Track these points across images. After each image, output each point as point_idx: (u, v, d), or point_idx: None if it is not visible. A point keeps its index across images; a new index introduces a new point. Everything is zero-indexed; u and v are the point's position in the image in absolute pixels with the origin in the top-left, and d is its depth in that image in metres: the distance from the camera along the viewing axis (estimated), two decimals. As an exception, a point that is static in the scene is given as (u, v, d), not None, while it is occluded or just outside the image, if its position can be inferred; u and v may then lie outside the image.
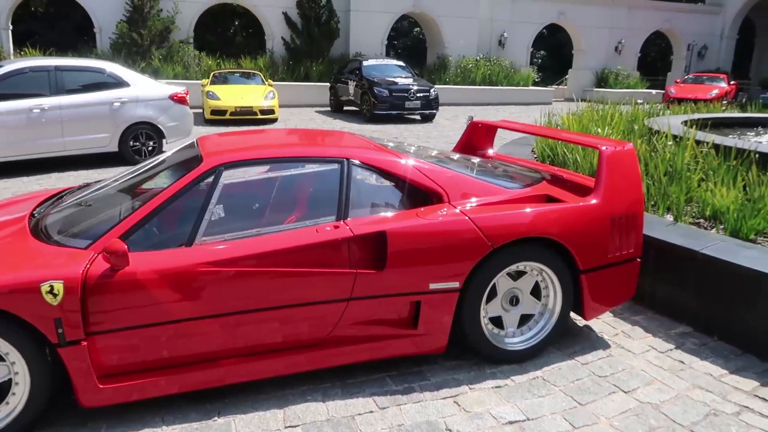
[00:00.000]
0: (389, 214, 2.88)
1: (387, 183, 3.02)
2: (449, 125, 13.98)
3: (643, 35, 25.38)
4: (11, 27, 17.74)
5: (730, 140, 5.27)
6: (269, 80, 16.08)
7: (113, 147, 8.25)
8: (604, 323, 3.49)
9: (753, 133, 7.72)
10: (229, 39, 25.37)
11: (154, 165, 3.33)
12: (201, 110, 14.28)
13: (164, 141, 8.69)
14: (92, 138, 8.04)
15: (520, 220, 2.86)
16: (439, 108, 15.45)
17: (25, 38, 19.30)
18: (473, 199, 2.99)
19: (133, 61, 16.96)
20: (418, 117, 15.04)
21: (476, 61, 21.31)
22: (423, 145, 4.18)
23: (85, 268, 2.38)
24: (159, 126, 8.53)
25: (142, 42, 17.13)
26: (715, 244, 3.45)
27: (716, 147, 5.06)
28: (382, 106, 14.11)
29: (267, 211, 2.90)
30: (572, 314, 3.26)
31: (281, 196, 2.98)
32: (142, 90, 8.41)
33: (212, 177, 2.72)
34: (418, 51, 25.52)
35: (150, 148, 8.55)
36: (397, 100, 14.18)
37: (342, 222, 2.77)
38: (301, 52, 19.38)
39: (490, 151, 4.48)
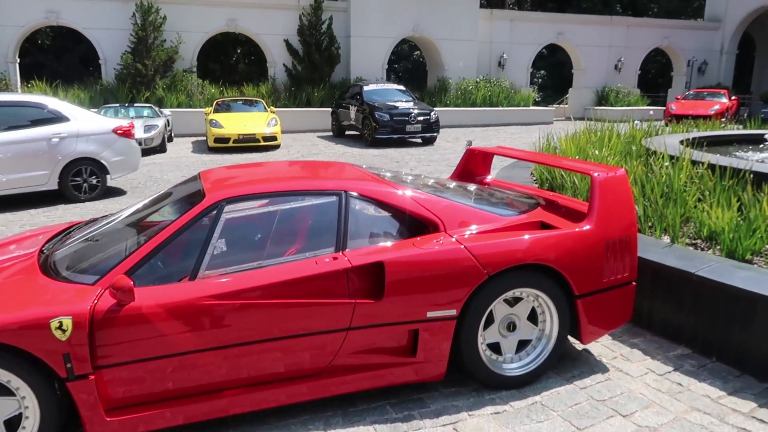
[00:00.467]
0: (387, 244, 2.95)
1: (384, 214, 3.10)
2: (450, 147, 14.11)
3: (642, 53, 25.62)
4: (18, 60, 18.13)
5: (726, 160, 5.33)
6: (271, 107, 16.32)
7: (53, 185, 7.92)
8: (602, 346, 3.53)
9: (751, 150, 7.78)
10: (231, 67, 25.77)
11: (158, 199, 3.44)
12: (205, 138, 14.50)
13: (108, 177, 8.37)
14: (28, 176, 7.70)
15: (514, 248, 2.93)
16: (440, 130, 15.63)
17: (32, 70, 19.70)
18: (469, 228, 3.06)
19: (138, 90, 17.30)
20: (419, 140, 15.21)
21: (476, 82, 21.55)
22: (420, 174, 4.26)
23: (93, 303, 2.45)
24: (102, 161, 8.19)
25: (147, 72, 17.45)
26: (711, 266, 3.50)
27: (712, 167, 5.13)
28: (384, 131, 14.29)
29: (268, 244, 2.98)
30: (571, 338, 3.30)
31: (282, 229, 3.06)
32: (83, 124, 8.07)
33: (214, 212, 2.81)
34: (419, 74, 25.84)
35: (93, 185, 8.21)
36: (398, 124, 14.36)
37: (341, 253, 2.84)
38: (303, 78, 19.68)
39: (488, 178, 4.56)
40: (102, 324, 2.44)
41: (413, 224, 3.07)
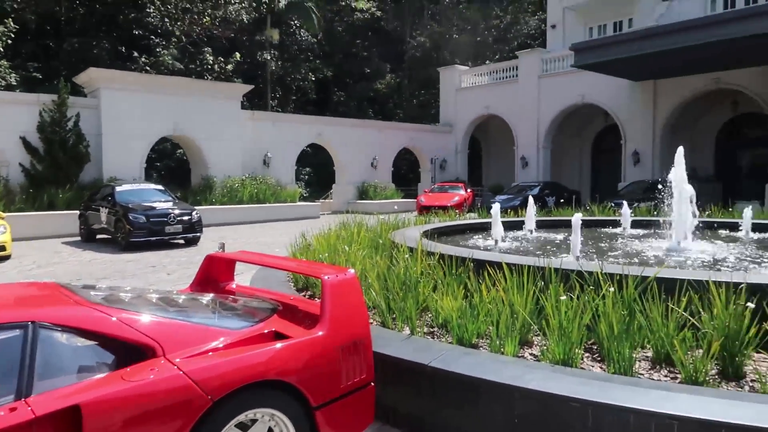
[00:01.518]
0: (88, 381, 2.49)
1: (87, 343, 2.64)
2: (214, 247, 13.58)
3: (393, 151, 28.48)
4: None
5: (452, 249, 5.91)
6: (0, 212, 14.10)
7: None
8: (350, 454, 3.41)
9: (481, 238, 8.86)
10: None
11: None
12: None
13: None
14: None
15: (240, 366, 2.70)
16: (206, 230, 15.06)
17: None
18: (192, 348, 2.76)
19: None
20: (182, 241, 14.41)
21: (242, 180, 21.57)
22: (146, 287, 3.86)
23: None
24: None
25: None
26: (442, 355, 3.68)
27: (443, 256, 5.61)
28: (140, 233, 13.26)
29: None
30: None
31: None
32: None
33: None
34: (183, 172, 25.01)
35: None
36: (155, 226, 13.47)
37: (23, 401, 2.31)
38: (45, 179, 17.58)
39: (233, 284, 4.33)
40: None
41: (125, 352, 2.67)
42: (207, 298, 3.60)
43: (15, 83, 23.52)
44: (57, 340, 2.59)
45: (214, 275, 4.33)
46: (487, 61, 34.59)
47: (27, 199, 17.07)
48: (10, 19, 24.41)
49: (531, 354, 3.92)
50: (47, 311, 2.63)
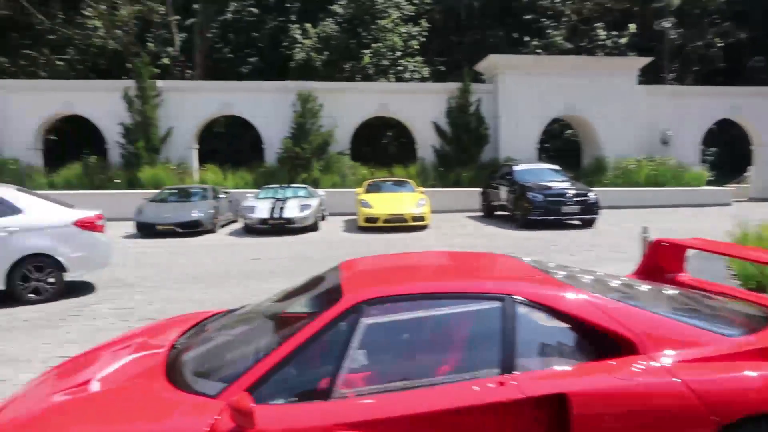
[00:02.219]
0: (566, 367, 2.27)
1: (561, 326, 2.44)
2: (614, 232, 12.82)
3: (840, 126, 22.21)
4: (197, 146, 20.23)
5: None
6: (420, 187, 16.29)
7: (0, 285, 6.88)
8: None
9: None
10: (382, 149, 26.66)
11: (300, 289, 3.08)
12: (355, 217, 14.76)
13: (64, 275, 7.14)
14: None
15: (755, 387, 2.09)
16: (600, 212, 14.41)
17: (207, 155, 21.77)
18: (679, 351, 2.28)
19: (296, 172, 18.38)
20: (577, 222, 14.08)
21: (637, 161, 19.97)
22: (598, 271, 3.53)
23: (210, 426, 2.05)
24: (58, 258, 7.05)
25: (304, 155, 18.53)
26: None
27: None
28: (537, 212, 13.45)
29: (416, 359, 2.45)
30: None
31: (432, 341, 2.52)
32: (37, 217, 7.06)
33: (353, 316, 2.35)
34: (571, 153, 24.68)
35: (48, 284, 7.05)
36: (552, 205, 13.45)
37: (508, 377, 2.22)
38: (451, 159, 19.67)
39: (683, 276, 3.69)
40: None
41: (599, 342, 2.36)
42: (673, 291, 3.06)
43: (427, 76, 27.04)
44: (532, 318, 2.45)
45: (661, 263, 3.75)
46: None
47: (438, 176, 19.40)
48: (424, 20, 28.07)
49: None
50: (520, 286, 2.51)
